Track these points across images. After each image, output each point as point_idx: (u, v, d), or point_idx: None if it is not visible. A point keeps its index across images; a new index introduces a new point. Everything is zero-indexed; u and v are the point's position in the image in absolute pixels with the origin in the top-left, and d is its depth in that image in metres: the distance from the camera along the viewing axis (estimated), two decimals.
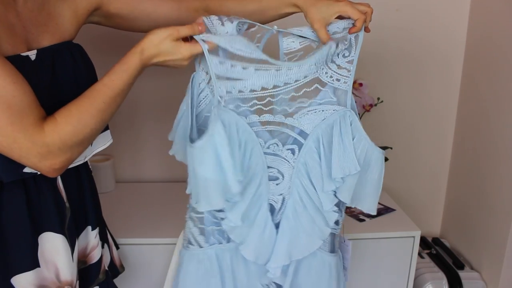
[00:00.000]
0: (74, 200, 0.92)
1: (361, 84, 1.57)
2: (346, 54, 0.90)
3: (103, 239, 1.05)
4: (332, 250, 1.00)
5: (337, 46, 0.87)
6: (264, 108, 0.89)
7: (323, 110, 0.90)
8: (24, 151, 0.74)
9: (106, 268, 1.04)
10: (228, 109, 0.86)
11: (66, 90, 0.83)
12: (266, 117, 0.90)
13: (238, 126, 0.87)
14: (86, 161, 0.97)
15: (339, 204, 0.95)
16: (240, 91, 0.86)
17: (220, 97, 0.86)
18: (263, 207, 0.93)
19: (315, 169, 0.91)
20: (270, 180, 0.93)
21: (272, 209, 0.94)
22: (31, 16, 0.84)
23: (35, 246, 0.84)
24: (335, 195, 0.92)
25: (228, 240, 0.96)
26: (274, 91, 0.88)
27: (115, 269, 1.09)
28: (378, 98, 1.62)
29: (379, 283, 1.42)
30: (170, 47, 0.81)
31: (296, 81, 0.88)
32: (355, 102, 1.56)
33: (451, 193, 1.83)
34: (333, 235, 0.99)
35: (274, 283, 1.00)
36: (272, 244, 0.94)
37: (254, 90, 0.86)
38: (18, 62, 0.76)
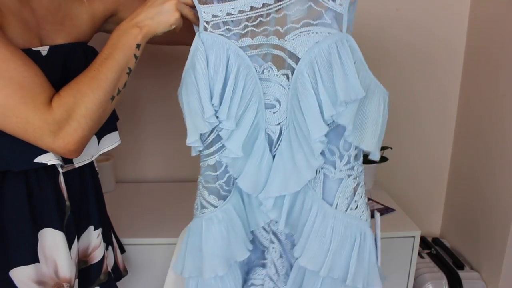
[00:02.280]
0: (76, 199, 0.92)
1: None
2: None
3: (108, 241, 1.05)
4: (328, 200, 0.89)
5: None
6: (256, 30, 0.84)
7: (316, 32, 0.83)
8: (38, 131, 0.74)
9: (109, 270, 1.04)
10: (216, 34, 0.83)
11: None
12: (260, 39, 0.85)
13: (229, 51, 0.83)
14: (92, 163, 0.97)
15: (338, 143, 0.88)
16: (228, 14, 0.82)
17: (206, 22, 0.82)
18: (260, 136, 0.88)
19: (305, 96, 0.84)
20: (266, 108, 0.88)
21: (270, 140, 0.90)
22: (47, 14, 0.87)
23: (35, 241, 0.85)
24: (327, 125, 0.84)
25: (233, 182, 0.92)
26: (264, 10, 0.83)
27: (118, 272, 1.10)
28: None
29: None
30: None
31: None
32: None
33: (451, 193, 1.83)
34: (327, 177, 0.89)
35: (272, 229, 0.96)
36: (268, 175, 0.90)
37: (243, 11, 0.82)
38: (28, 56, 0.77)
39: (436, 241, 1.77)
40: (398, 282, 1.42)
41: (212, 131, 0.87)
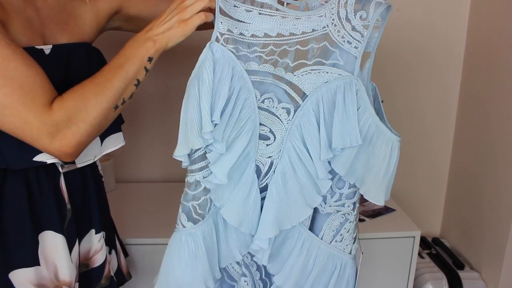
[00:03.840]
0: (77, 202, 0.92)
1: None
2: (363, 16, 0.80)
3: (111, 245, 1.04)
4: (315, 231, 0.90)
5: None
6: (265, 57, 0.82)
7: (327, 72, 0.82)
8: (35, 132, 0.74)
9: (112, 274, 1.03)
10: (227, 48, 0.81)
11: None
12: (266, 67, 0.83)
13: (234, 70, 0.81)
14: (96, 166, 0.97)
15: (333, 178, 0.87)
16: (241, 34, 0.81)
17: (219, 33, 0.81)
18: (250, 167, 0.85)
19: (311, 134, 0.83)
20: (260, 139, 0.85)
21: (258, 172, 0.86)
22: (50, 13, 0.87)
23: (35, 243, 0.85)
24: (329, 163, 0.84)
25: (209, 209, 0.89)
26: (277, 40, 0.81)
27: (121, 277, 1.09)
28: None
29: (379, 283, 1.42)
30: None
31: (303, 33, 0.81)
32: None
33: (451, 193, 1.83)
34: (316, 210, 0.90)
35: (249, 253, 0.92)
36: (257, 210, 0.86)
37: (255, 36, 0.81)
38: (31, 54, 0.77)
39: (436, 241, 1.77)
40: (398, 282, 1.42)
41: (199, 148, 0.84)
